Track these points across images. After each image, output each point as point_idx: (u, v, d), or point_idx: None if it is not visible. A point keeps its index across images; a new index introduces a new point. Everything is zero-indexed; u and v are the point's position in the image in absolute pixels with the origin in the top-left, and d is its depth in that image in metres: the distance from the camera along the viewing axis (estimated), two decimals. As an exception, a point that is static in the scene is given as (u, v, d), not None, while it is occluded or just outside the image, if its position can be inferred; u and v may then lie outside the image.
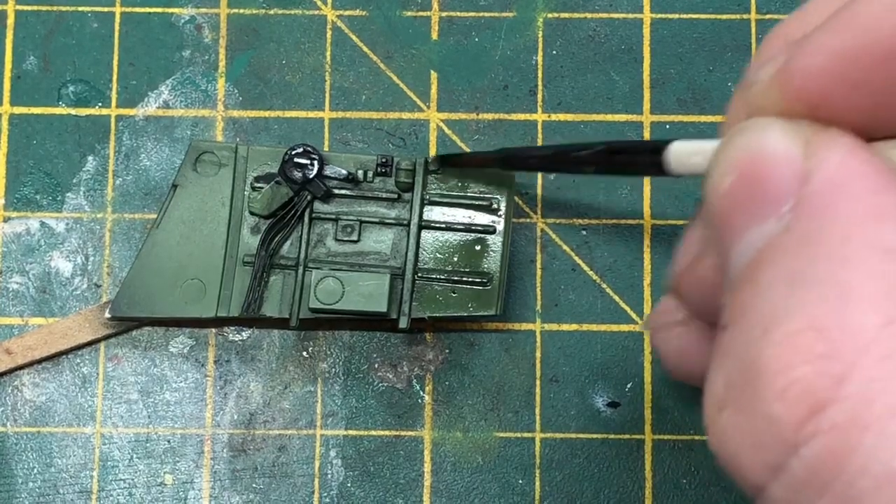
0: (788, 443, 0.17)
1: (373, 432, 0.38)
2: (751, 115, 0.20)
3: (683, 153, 0.23)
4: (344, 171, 0.38)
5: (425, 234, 0.38)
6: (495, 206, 0.38)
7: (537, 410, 0.39)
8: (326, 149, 0.40)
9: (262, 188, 0.38)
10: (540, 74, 0.40)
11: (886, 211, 0.18)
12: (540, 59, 0.40)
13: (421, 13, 0.41)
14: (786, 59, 0.20)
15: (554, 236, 0.40)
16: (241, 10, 0.41)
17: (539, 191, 0.40)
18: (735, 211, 0.19)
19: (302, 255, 0.38)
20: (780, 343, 0.17)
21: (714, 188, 0.20)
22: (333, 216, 0.38)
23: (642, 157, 0.25)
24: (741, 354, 0.18)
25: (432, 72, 0.41)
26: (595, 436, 0.38)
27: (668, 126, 0.40)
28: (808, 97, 0.19)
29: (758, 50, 0.24)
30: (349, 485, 0.38)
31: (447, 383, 0.39)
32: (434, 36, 0.41)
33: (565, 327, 0.39)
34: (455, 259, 0.38)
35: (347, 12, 0.41)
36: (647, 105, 0.40)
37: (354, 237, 0.38)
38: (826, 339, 0.17)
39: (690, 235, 0.26)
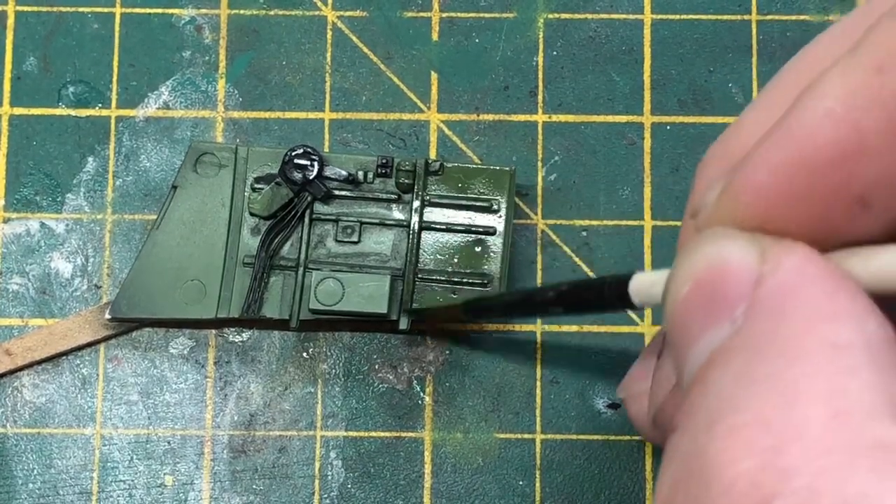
0: None
1: (373, 433, 0.38)
2: None
3: (645, 284, 0.23)
4: (344, 172, 0.38)
5: (425, 236, 0.38)
6: (495, 207, 0.38)
7: (538, 412, 0.39)
8: (327, 150, 0.40)
9: (262, 189, 0.38)
10: (540, 75, 0.40)
11: (837, 312, 0.18)
12: (540, 59, 0.40)
13: (421, 14, 0.41)
14: (728, 179, 0.20)
15: (554, 237, 0.40)
16: (242, 11, 0.41)
17: (539, 192, 0.40)
18: (690, 317, 0.19)
19: (302, 256, 0.38)
20: (726, 436, 0.17)
21: (671, 298, 0.20)
22: (334, 217, 0.38)
23: (608, 291, 0.25)
24: (688, 451, 0.18)
25: (433, 73, 0.40)
26: (595, 437, 0.38)
27: (668, 127, 0.40)
28: (756, 213, 0.19)
29: (695, 176, 0.24)
30: (349, 486, 0.38)
31: (447, 384, 0.39)
32: (434, 37, 0.41)
33: (566, 329, 0.39)
34: (455, 260, 0.38)
35: (348, 13, 0.41)
36: (647, 106, 0.40)
37: (355, 238, 0.38)
38: (772, 433, 0.16)
39: (666, 362, 0.26)
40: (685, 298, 0.19)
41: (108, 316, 0.38)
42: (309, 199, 0.38)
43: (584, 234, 0.40)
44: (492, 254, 0.38)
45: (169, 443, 0.38)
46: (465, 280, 0.38)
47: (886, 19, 0.18)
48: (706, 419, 0.17)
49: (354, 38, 0.41)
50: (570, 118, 0.40)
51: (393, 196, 0.38)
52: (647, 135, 0.40)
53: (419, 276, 0.38)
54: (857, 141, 0.18)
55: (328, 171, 0.38)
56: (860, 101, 0.18)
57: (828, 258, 0.19)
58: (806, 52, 0.23)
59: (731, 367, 0.18)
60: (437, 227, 0.38)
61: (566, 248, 0.40)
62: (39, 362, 0.39)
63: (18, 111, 0.40)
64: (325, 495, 0.38)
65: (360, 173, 0.38)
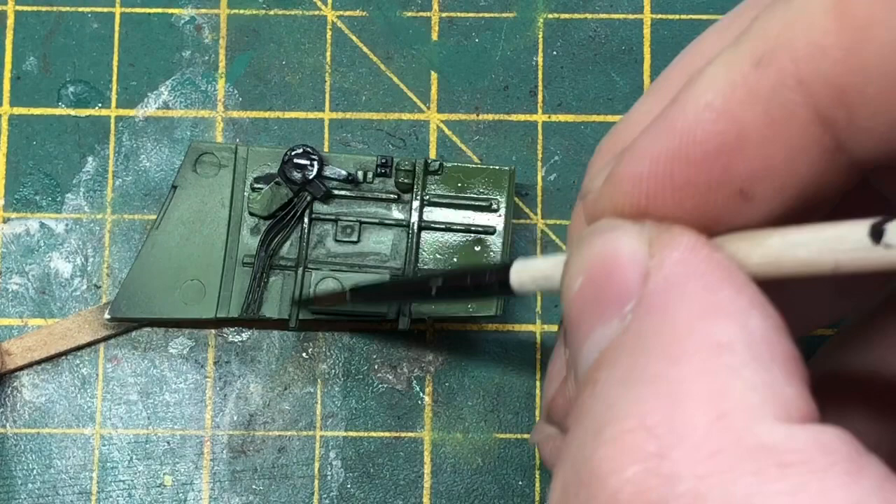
0: None
1: (373, 433, 0.38)
2: (590, 224, 0.21)
3: (524, 273, 0.23)
4: (344, 172, 0.38)
5: (425, 235, 0.38)
6: (495, 206, 0.38)
7: (537, 412, 0.38)
8: (326, 149, 0.40)
9: (261, 189, 0.38)
10: (540, 75, 0.40)
11: (718, 308, 0.17)
12: (540, 59, 0.40)
13: (421, 14, 0.41)
14: (612, 167, 0.20)
15: (554, 237, 0.40)
16: (241, 11, 0.41)
17: (539, 192, 0.40)
18: (583, 312, 0.19)
19: (301, 256, 0.38)
20: (611, 443, 0.17)
21: (565, 292, 0.20)
22: (333, 217, 0.38)
23: (490, 278, 0.25)
24: (576, 456, 0.18)
25: (432, 72, 0.40)
26: (595, 437, 0.38)
27: (668, 127, 0.40)
28: (636, 202, 0.19)
29: (589, 164, 0.24)
30: (349, 486, 0.38)
31: (447, 384, 0.39)
32: (434, 36, 0.41)
33: (565, 328, 0.39)
34: (455, 260, 0.38)
35: (347, 13, 0.41)
36: (647, 106, 0.40)
37: (354, 238, 0.38)
38: (656, 438, 0.16)
39: (557, 356, 0.25)
40: (577, 294, 0.19)
41: (107, 316, 0.38)
42: (308, 198, 0.38)
43: (584, 233, 0.40)
44: (491, 253, 0.38)
45: (168, 443, 0.38)
46: (464, 280, 0.38)
47: (766, 12, 0.18)
48: (593, 424, 0.17)
49: (354, 38, 0.41)
50: (570, 118, 0.40)
51: (392, 196, 0.38)
52: (647, 135, 0.40)
53: (419, 275, 0.38)
54: (736, 134, 0.18)
55: (328, 171, 0.38)
56: (739, 95, 0.18)
57: (716, 243, 0.19)
58: (694, 45, 0.23)
59: (618, 368, 0.18)
60: (437, 226, 0.38)
61: (566, 248, 0.39)
62: (39, 362, 0.39)
63: (18, 111, 0.40)
64: (325, 495, 0.38)
65: (360, 173, 0.38)
